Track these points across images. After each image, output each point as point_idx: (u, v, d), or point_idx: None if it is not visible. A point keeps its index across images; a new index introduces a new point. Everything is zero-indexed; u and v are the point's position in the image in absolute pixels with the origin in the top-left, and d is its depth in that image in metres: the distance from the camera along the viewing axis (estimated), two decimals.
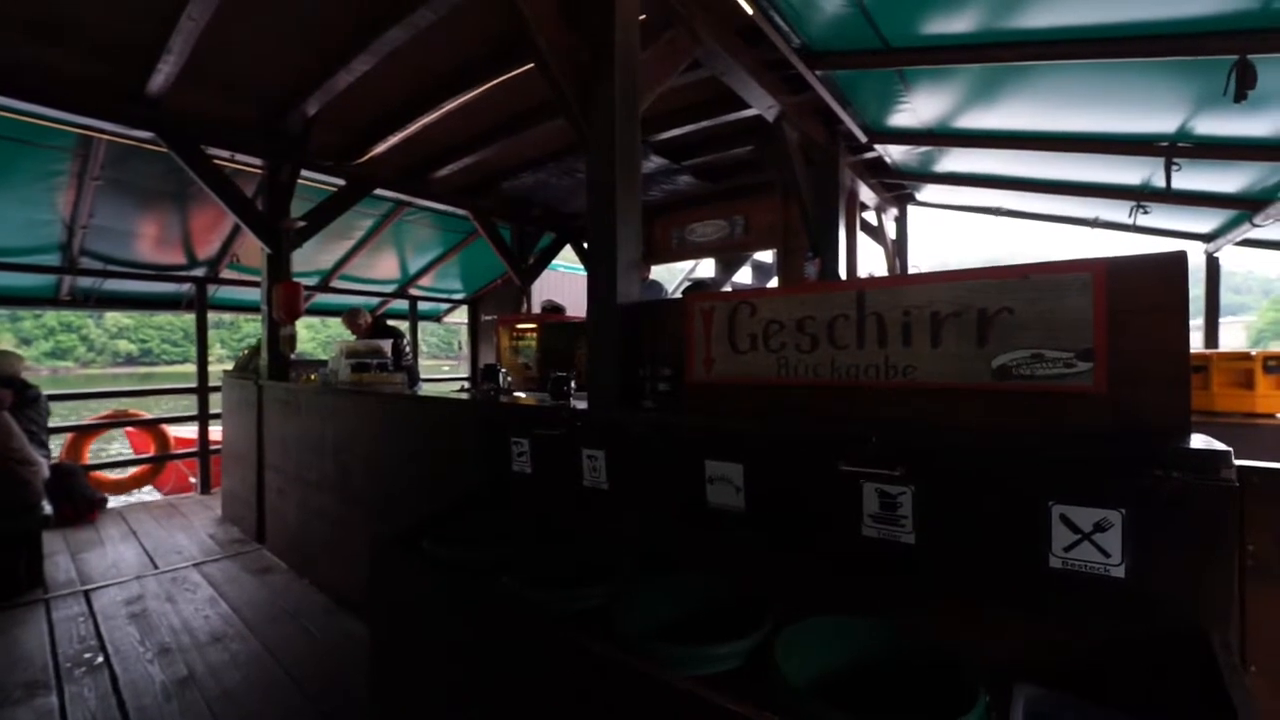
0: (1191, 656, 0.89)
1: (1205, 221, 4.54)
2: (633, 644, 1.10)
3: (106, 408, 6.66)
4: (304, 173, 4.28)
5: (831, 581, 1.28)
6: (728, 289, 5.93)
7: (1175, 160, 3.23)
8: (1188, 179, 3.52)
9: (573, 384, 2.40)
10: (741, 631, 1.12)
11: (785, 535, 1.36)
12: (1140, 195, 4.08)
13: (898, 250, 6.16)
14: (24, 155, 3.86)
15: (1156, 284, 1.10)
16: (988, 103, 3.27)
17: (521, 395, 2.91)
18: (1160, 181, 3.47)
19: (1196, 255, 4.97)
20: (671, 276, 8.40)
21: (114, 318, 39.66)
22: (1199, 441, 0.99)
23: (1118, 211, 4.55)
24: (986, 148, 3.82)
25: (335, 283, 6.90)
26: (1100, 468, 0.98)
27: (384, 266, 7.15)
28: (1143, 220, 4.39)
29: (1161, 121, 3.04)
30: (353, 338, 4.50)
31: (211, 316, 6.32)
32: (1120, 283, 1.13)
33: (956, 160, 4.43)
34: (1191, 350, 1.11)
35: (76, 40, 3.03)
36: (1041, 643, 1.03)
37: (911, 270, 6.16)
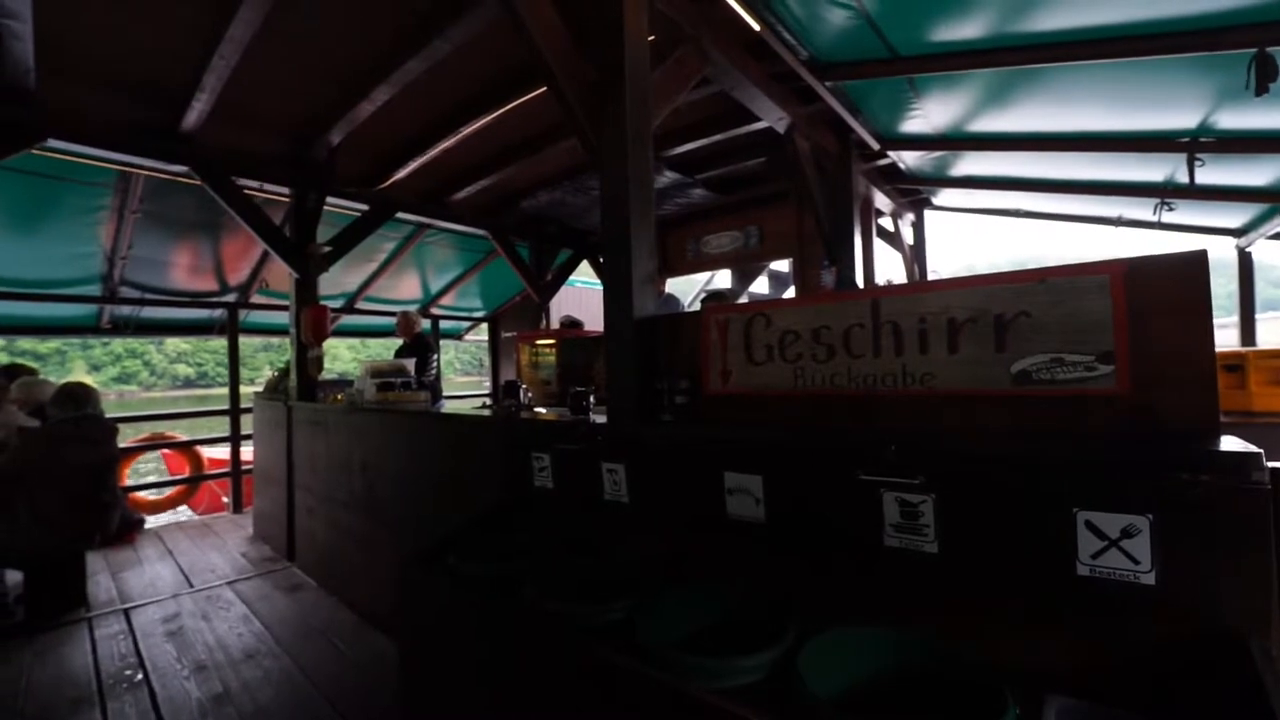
0: (1229, 665, 0.86)
1: (1235, 216, 4.41)
2: (656, 656, 1.10)
3: (147, 430, 6.91)
4: (329, 199, 4.44)
5: (854, 592, 1.27)
6: (744, 299, 5.93)
7: (1198, 156, 3.17)
8: (1213, 174, 3.44)
9: (592, 398, 2.43)
10: (764, 643, 1.12)
11: (806, 546, 1.36)
12: (1164, 192, 3.99)
13: (916, 256, 6.10)
14: (69, 192, 4.08)
15: (1177, 284, 1.09)
16: (1001, 106, 3.25)
17: (542, 410, 2.94)
18: (1184, 178, 3.40)
19: (1228, 251, 4.83)
20: (690, 288, 8.42)
21: (173, 343, 41.20)
22: (1229, 443, 0.97)
23: (1142, 209, 4.45)
24: (1002, 150, 3.78)
25: (360, 304, 7.08)
26: (1125, 472, 0.97)
27: (407, 287, 7.32)
28: (1168, 217, 4.29)
29: (1181, 117, 2.99)
30: (400, 342, 5.26)
31: (259, 340, 6.55)
32: (1140, 284, 1.11)
33: (972, 164, 4.39)
34: (1227, 348, 1.09)
35: (118, 84, 3.21)
36: (1072, 652, 1.01)
37: (931, 275, 6.09)
